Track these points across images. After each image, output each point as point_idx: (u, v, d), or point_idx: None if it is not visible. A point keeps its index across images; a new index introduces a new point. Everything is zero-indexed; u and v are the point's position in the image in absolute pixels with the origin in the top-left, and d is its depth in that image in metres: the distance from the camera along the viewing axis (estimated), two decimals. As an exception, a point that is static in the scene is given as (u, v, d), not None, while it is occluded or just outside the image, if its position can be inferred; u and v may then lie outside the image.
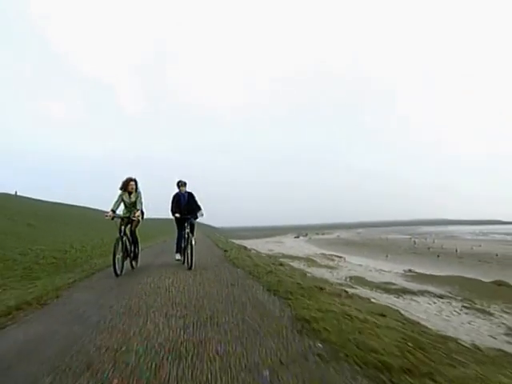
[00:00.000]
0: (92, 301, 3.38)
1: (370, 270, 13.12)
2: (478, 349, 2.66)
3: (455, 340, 2.71)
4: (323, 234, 66.43)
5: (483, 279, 10.13)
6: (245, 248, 14.63)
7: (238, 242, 24.94)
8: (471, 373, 1.84)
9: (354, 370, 1.82)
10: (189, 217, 5.62)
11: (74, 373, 1.80)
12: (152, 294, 3.70)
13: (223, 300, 3.28)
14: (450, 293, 7.74)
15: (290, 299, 3.28)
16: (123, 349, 2.09)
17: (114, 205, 5.11)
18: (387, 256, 21.43)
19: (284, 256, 15.66)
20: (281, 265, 7.94)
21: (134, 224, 5.29)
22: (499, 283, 9.53)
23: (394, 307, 4.79)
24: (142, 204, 5.24)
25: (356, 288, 7.26)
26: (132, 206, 5.19)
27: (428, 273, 12.09)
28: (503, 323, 5.51)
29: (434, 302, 6.49)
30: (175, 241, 5.94)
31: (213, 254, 8.72)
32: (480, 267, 15.35)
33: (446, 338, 2.68)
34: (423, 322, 3.73)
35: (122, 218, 5.08)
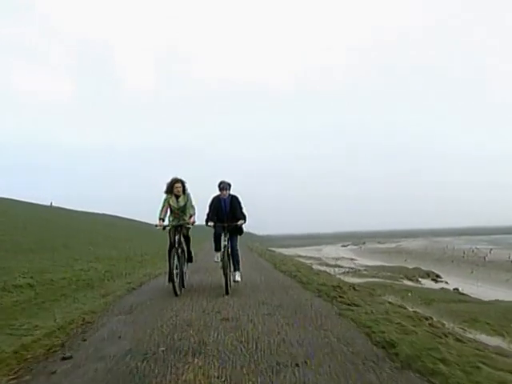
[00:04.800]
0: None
1: (354, 263, 23.52)
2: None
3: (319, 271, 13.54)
4: (384, 242, 73.07)
5: (416, 267, 19.88)
6: (272, 251, 26.27)
7: (274, 249, 36.37)
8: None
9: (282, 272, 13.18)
10: (226, 225, 5.19)
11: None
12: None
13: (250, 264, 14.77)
14: (364, 269, 17.90)
15: (275, 264, 14.72)
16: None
17: (161, 212, 5.16)
18: (405, 260, 30.68)
19: (300, 256, 26.64)
20: (288, 259, 19.15)
21: (186, 232, 5.34)
22: (415, 268, 19.30)
23: (322, 269, 15.60)
24: (193, 208, 5.36)
25: (315, 265, 17.91)
26: (181, 212, 5.23)
27: (388, 265, 21.94)
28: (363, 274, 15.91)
29: (342, 270, 16.80)
30: (212, 239, 5.42)
31: (245, 249, 20.52)
32: (450, 264, 24.42)
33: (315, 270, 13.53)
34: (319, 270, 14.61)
35: (175, 227, 5.12)
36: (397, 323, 3.36)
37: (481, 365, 2.18)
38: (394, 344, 2.58)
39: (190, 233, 5.60)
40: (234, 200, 5.39)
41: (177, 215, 5.28)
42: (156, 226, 5.17)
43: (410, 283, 13.56)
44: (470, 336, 4.11)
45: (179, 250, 5.12)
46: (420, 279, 15.69)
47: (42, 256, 10.89)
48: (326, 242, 72.14)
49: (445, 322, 4.62)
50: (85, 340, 3.04)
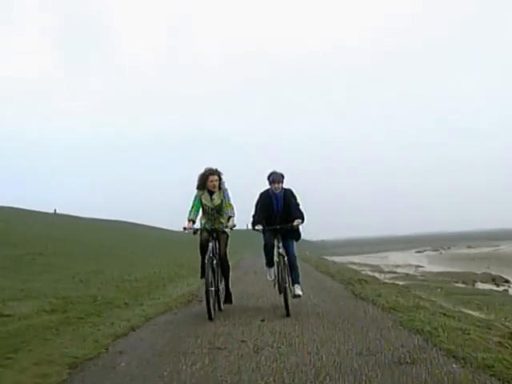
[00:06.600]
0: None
1: (415, 270, 25.84)
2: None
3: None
4: (476, 246, 70.77)
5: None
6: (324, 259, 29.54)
7: (327, 257, 39.23)
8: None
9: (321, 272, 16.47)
10: (278, 227, 4.83)
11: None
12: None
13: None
14: (421, 275, 20.29)
15: (317, 267, 17.96)
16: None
17: (191, 212, 4.89)
18: (488, 267, 31.75)
19: (353, 263, 29.51)
20: (333, 265, 22.29)
21: (224, 240, 4.92)
22: (483, 273, 21.04)
23: (371, 274, 18.49)
24: (232, 207, 4.93)
25: (366, 271, 20.72)
26: (216, 212, 4.92)
27: (455, 271, 23.84)
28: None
29: (395, 275, 19.37)
30: (263, 252, 5.14)
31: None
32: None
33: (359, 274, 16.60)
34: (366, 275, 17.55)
35: (209, 231, 4.82)
36: (379, 291, 6.60)
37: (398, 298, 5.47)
38: (361, 293, 5.87)
39: (228, 248, 5.08)
40: (288, 194, 4.98)
41: (211, 217, 4.98)
42: (184, 228, 4.91)
43: (461, 285, 15.66)
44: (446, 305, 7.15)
45: (214, 261, 4.76)
46: (479, 283, 17.50)
47: (107, 262, 14.62)
48: (397, 248, 72.21)
49: (443, 304, 7.63)
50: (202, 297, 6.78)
